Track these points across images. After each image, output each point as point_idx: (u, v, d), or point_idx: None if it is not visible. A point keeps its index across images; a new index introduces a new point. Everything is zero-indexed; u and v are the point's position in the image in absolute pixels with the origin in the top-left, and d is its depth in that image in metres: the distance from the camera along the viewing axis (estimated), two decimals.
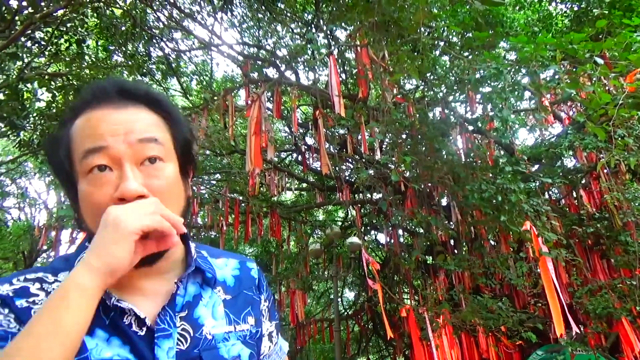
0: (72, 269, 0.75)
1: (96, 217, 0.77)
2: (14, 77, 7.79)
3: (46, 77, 8.46)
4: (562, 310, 4.54)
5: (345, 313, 14.17)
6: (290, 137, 12.09)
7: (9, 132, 9.03)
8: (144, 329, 0.80)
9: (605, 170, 7.09)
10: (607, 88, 3.58)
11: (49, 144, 0.88)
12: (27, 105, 8.70)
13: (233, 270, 1.00)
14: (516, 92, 4.71)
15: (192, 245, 0.93)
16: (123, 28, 8.33)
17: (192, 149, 0.94)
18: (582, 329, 6.33)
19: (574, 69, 3.20)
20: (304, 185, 12.33)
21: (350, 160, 10.08)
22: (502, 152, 8.55)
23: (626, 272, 6.57)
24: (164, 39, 9.24)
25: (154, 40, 9.04)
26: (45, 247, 15.03)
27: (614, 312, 5.52)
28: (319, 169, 10.50)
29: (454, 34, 6.83)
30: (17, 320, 0.75)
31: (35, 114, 9.06)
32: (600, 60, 2.93)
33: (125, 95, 0.84)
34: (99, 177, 0.78)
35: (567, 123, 8.33)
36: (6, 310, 0.75)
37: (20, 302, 0.77)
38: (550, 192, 9.27)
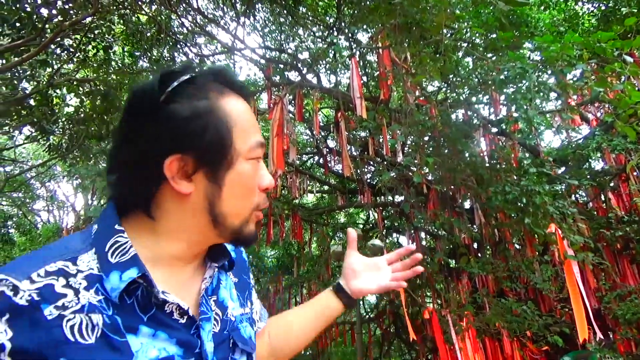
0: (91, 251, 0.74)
1: (247, 197, 0.82)
2: (44, 83, 8.02)
3: (75, 82, 8.70)
4: (587, 315, 4.44)
5: (367, 316, 14.11)
6: (311, 139, 12.13)
7: (39, 137, 9.30)
8: (185, 317, 0.79)
9: (635, 173, 6.92)
10: (636, 87, 3.50)
11: (205, 111, 0.78)
12: (57, 111, 8.95)
13: (231, 252, 0.97)
14: (542, 93, 4.63)
15: None
16: (148, 34, 8.50)
17: None
18: (611, 335, 6.17)
19: (602, 68, 3.14)
20: (326, 187, 12.34)
21: (372, 162, 10.06)
22: (527, 154, 8.42)
23: None
24: (188, 44, 9.39)
25: (178, 46, 9.20)
26: None
27: None
28: (340, 171, 10.52)
29: (477, 35, 6.77)
30: (33, 340, 0.64)
31: (64, 119, 9.31)
32: (629, 59, 2.88)
33: (248, 98, 0.88)
34: (258, 166, 0.84)
35: (595, 124, 8.15)
36: (12, 333, 0.63)
37: (49, 310, 0.67)
38: (577, 195, 9.08)
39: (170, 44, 8.92)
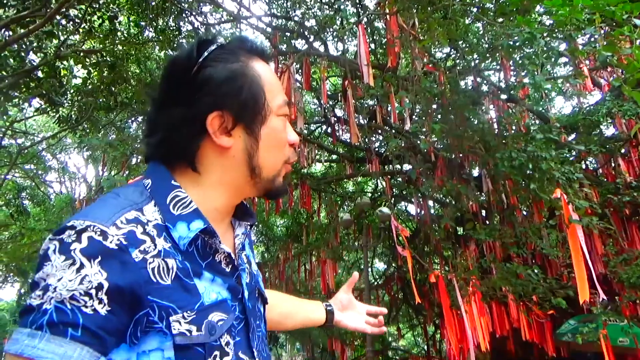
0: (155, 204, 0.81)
1: (278, 150, 0.91)
2: (51, 55, 8.02)
3: (81, 54, 8.68)
4: (592, 279, 4.50)
5: (376, 283, 14.34)
6: (319, 109, 12.07)
7: (48, 109, 9.37)
8: (230, 265, 0.87)
9: None
10: None
11: (243, 73, 0.87)
12: (65, 82, 8.99)
13: None
14: (551, 58, 4.57)
15: None
16: (153, 3, 8.42)
17: None
18: (616, 299, 6.26)
19: (611, 32, 3.08)
20: (334, 157, 12.36)
21: (379, 131, 10.04)
22: (536, 121, 8.34)
23: None
24: (193, 13, 9.29)
25: (184, 15, 9.11)
26: None
27: None
28: (348, 140, 10.51)
29: None
30: (126, 279, 0.71)
31: (72, 91, 9.35)
32: (639, 22, 2.83)
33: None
34: (285, 122, 0.92)
35: (607, 90, 8.03)
36: (106, 274, 0.70)
37: (136, 253, 0.73)
38: (587, 162, 9.03)
39: (176, 13, 8.83)
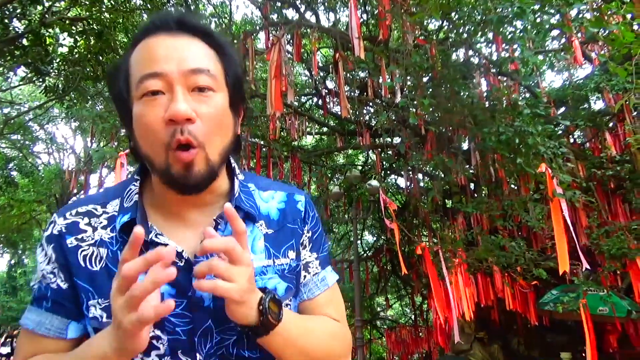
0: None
1: (148, 137, 0.81)
2: (36, 22, 7.84)
3: (67, 21, 8.49)
4: (575, 250, 4.62)
5: (365, 254, 14.55)
6: (310, 80, 11.98)
7: (34, 78, 9.21)
8: (183, 261, 0.83)
9: (634, 113, 6.92)
10: (633, 27, 3.46)
11: (110, 72, 0.93)
12: (51, 51, 8.80)
13: (279, 203, 0.99)
14: (541, 33, 4.56)
15: (237, 181, 0.95)
16: None
17: (243, 85, 0.94)
18: (596, 270, 6.44)
19: (600, 7, 3.09)
20: (325, 129, 12.35)
21: (370, 104, 10.02)
22: (525, 95, 8.37)
23: None
24: None
25: None
26: (75, 191, 15.61)
27: (629, 253, 5.58)
28: (339, 113, 10.49)
29: None
30: (63, 260, 0.86)
31: (58, 60, 9.17)
32: None
33: (182, 26, 0.85)
34: (152, 100, 0.80)
35: (597, 64, 8.05)
36: (54, 255, 0.87)
37: (70, 240, 0.87)
38: (575, 136, 9.12)
39: None
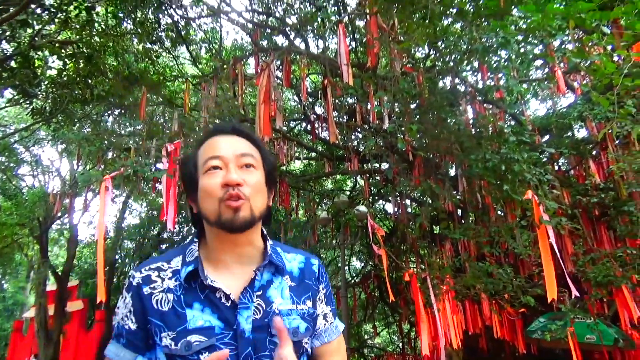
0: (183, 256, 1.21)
1: (208, 196, 1.15)
2: (25, 44, 7.82)
3: (57, 44, 8.48)
4: (563, 277, 4.62)
5: (353, 281, 14.43)
6: (299, 106, 12.07)
7: (21, 100, 9.14)
8: (230, 301, 1.14)
9: (615, 142, 7.06)
10: (614, 58, 3.56)
11: (182, 162, 1.35)
12: (39, 73, 8.77)
13: (299, 263, 1.32)
14: (525, 63, 4.67)
15: (269, 243, 1.27)
16: None
17: (276, 171, 1.36)
18: (583, 297, 6.44)
19: (582, 38, 3.18)
20: (313, 154, 12.38)
21: (359, 130, 10.09)
22: (512, 123, 8.50)
23: (631, 242, 6.63)
24: (173, 6, 9.18)
25: (163, 7, 8.99)
26: (59, 214, 15.35)
27: (615, 280, 5.60)
28: (327, 138, 10.54)
29: (466, 1, 6.72)
30: (139, 305, 1.15)
31: (46, 82, 9.12)
32: (607, 30, 2.93)
33: (234, 131, 1.26)
34: (213, 172, 1.17)
35: (579, 93, 8.23)
36: (131, 302, 1.16)
37: (146, 289, 1.16)
38: (560, 164, 9.25)
39: (155, 5, 8.71)
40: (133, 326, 1.15)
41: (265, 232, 1.30)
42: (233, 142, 1.23)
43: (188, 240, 1.30)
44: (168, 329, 1.11)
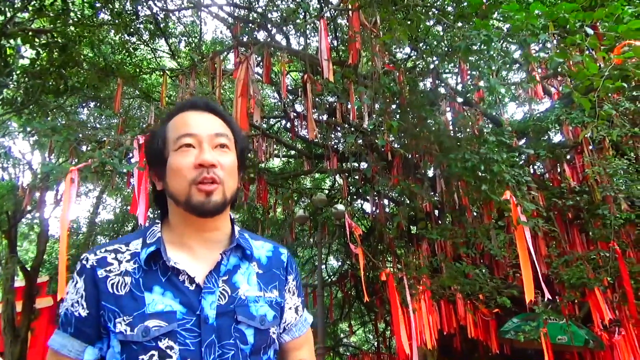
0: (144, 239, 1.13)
1: (179, 177, 1.10)
2: None
3: (30, 33, 8.20)
4: (537, 279, 4.65)
5: (329, 280, 14.40)
6: (279, 103, 11.97)
7: None
8: (194, 285, 1.08)
9: (590, 146, 7.17)
10: (595, 60, 3.59)
11: (148, 137, 1.28)
12: (10, 62, 8.47)
13: (267, 252, 1.28)
14: (506, 63, 4.69)
15: (237, 227, 1.22)
16: None
17: (246, 154, 1.33)
18: (556, 298, 6.53)
19: (564, 39, 3.19)
20: (292, 152, 12.30)
21: (339, 128, 10.05)
22: (490, 125, 8.58)
23: (603, 245, 6.74)
24: None
25: None
26: (29, 208, 14.91)
27: (588, 282, 5.68)
28: (307, 136, 10.47)
29: (448, 1, 6.74)
30: (92, 289, 1.06)
31: (18, 72, 8.83)
32: (590, 31, 2.93)
33: (208, 108, 1.21)
34: (185, 151, 1.11)
35: (556, 98, 8.35)
36: (84, 286, 1.08)
37: (100, 272, 1.08)
38: (535, 167, 9.38)
39: None
40: (84, 312, 1.06)
41: (232, 217, 1.25)
42: (207, 120, 1.18)
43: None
44: (123, 313, 1.03)
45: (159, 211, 1.25)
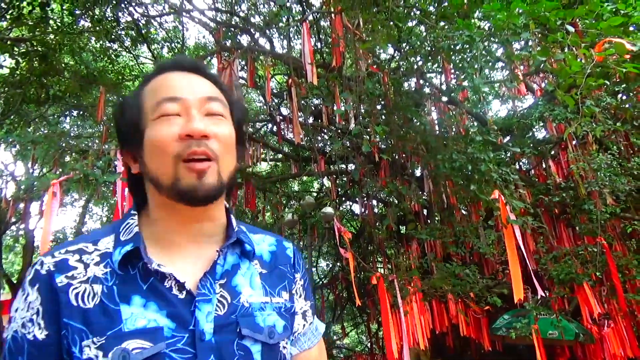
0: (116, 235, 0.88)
1: (159, 152, 0.84)
2: None
3: (8, 42, 8.07)
4: (527, 276, 4.68)
5: (320, 282, 14.36)
6: (265, 107, 11.93)
7: None
8: (184, 292, 0.84)
9: (573, 142, 7.25)
10: (577, 57, 3.63)
11: (118, 106, 0.97)
12: None
13: (270, 246, 1.04)
14: (489, 62, 4.72)
15: (233, 218, 0.98)
16: None
17: (245, 131, 1.05)
18: (546, 294, 6.58)
19: (546, 37, 3.21)
20: (279, 156, 12.25)
21: (325, 131, 10.04)
22: (475, 123, 8.64)
23: (589, 240, 6.81)
24: (133, 3, 8.88)
25: (122, 5, 8.68)
26: (14, 220, 14.66)
27: (576, 278, 5.73)
28: (294, 139, 10.44)
29: (430, 1, 6.77)
30: (50, 303, 0.80)
31: None
32: (571, 28, 2.95)
33: (195, 69, 0.93)
34: (168, 119, 0.85)
35: (539, 95, 8.43)
36: (39, 299, 0.81)
37: (60, 279, 0.81)
38: (521, 163, 9.47)
39: (114, 2, 8.40)
40: (40, 334, 0.79)
41: (228, 206, 0.99)
42: (195, 82, 0.91)
43: (124, 214, 0.99)
44: (93, 333, 0.77)
45: (134, 200, 0.98)
